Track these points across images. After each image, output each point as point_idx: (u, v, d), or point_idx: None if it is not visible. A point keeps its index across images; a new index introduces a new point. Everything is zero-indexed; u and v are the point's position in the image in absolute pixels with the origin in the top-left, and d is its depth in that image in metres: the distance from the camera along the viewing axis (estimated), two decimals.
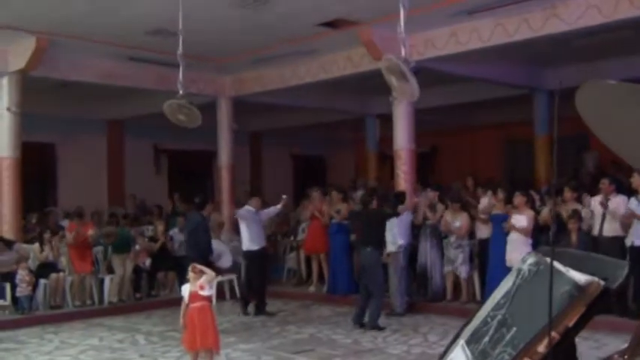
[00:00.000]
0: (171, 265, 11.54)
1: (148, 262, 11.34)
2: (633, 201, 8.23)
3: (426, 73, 11.46)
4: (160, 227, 11.82)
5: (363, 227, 9.26)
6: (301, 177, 19.89)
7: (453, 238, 9.77)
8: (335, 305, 10.56)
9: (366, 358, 7.32)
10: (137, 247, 11.26)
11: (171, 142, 16.78)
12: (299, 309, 10.62)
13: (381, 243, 9.18)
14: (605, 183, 8.53)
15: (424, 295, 10.10)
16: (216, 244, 10.43)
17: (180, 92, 8.63)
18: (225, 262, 11.30)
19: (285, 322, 9.55)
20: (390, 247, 9.54)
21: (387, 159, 16.26)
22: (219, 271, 10.05)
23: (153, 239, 11.78)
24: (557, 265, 2.98)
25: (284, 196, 10.92)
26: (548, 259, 3.07)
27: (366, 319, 8.72)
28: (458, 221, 9.72)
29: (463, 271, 9.68)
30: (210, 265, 8.91)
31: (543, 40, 10.23)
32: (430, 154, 19.08)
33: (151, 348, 8.13)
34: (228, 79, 14.07)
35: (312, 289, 11.74)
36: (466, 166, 18.33)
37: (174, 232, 11.98)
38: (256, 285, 10.09)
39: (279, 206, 10.86)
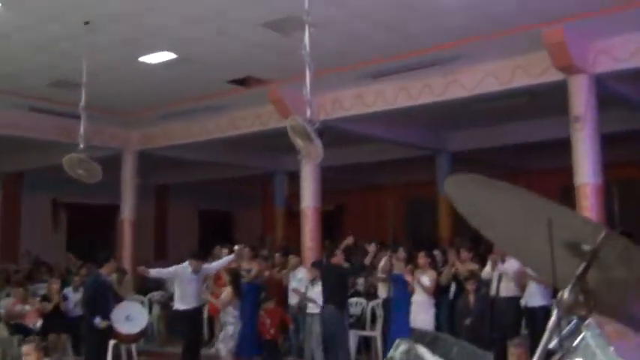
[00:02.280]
0: (64, 327, 10.91)
1: (39, 323, 10.68)
2: None
3: (333, 133, 11.67)
4: (55, 286, 11.20)
5: (324, 282, 9.06)
6: (207, 233, 19.55)
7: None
8: None
9: None
10: (27, 307, 10.63)
11: (71, 195, 16.18)
12: None
13: (344, 302, 9.02)
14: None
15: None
16: (126, 306, 9.56)
17: (81, 146, 8.38)
18: (134, 326, 9.70)
19: None
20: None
21: (294, 216, 16.27)
22: (122, 336, 9.46)
23: (46, 298, 11.15)
24: (426, 354, 2.94)
25: (236, 247, 10.23)
26: (419, 347, 3.02)
27: None
28: (427, 278, 9.27)
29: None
30: (110, 328, 8.46)
31: (445, 104, 10.62)
32: (337, 212, 19.23)
33: None
34: (135, 132, 13.81)
35: (214, 350, 11.33)
36: (372, 225, 18.59)
37: (69, 291, 11.39)
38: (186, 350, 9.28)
39: (230, 257, 10.06)
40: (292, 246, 14.04)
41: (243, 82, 10.73)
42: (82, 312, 9.30)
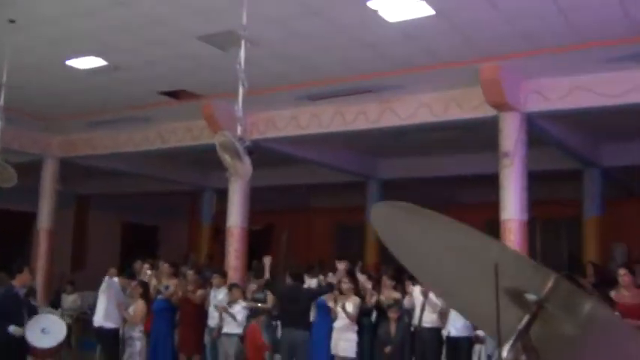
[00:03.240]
0: None
1: None
2: None
3: (265, 153, 11.50)
4: None
5: (288, 303, 8.77)
6: (130, 246, 18.90)
7: None
8: None
9: None
10: None
11: None
12: None
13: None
14: None
15: None
16: (41, 318, 8.53)
17: None
18: (50, 340, 8.56)
19: None
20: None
21: (221, 234, 15.95)
22: (37, 350, 8.84)
23: None
24: None
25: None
26: None
27: None
28: (351, 305, 9.00)
29: None
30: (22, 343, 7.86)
31: (379, 131, 10.62)
32: (266, 232, 18.97)
33: None
34: (57, 138, 13.26)
35: None
36: (301, 245, 18.43)
37: None
38: None
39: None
40: (216, 265, 13.71)
41: (175, 94, 10.45)
42: None
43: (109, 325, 8.92)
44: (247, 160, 6.47)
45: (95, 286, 14.52)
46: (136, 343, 9.12)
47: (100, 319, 8.97)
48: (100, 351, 9.26)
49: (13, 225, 16.52)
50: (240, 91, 6.62)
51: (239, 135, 6.45)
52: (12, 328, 7.73)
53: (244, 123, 10.77)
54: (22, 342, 7.84)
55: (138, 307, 9.18)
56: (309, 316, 8.95)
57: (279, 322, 9.49)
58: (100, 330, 8.96)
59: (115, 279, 9.26)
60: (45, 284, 13.13)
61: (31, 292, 11.32)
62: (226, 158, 6.58)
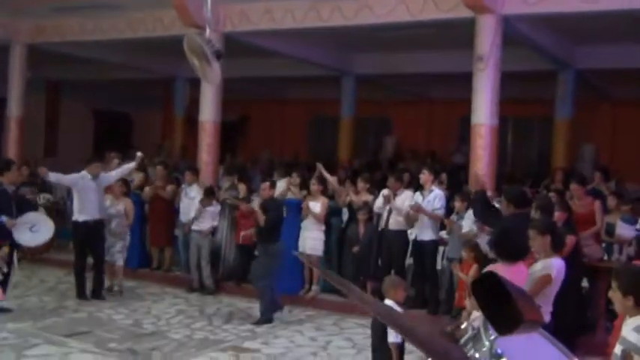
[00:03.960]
0: None
1: None
2: (418, 196, 8.65)
3: (239, 44, 11.28)
4: None
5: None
6: (103, 135, 18.76)
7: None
8: (124, 278, 9.95)
9: (145, 343, 7.06)
10: None
11: None
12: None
13: None
14: (391, 181, 8.89)
15: (215, 275, 9.95)
16: (29, 216, 8.33)
17: None
18: (38, 237, 8.49)
19: (65, 296, 8.95)
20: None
21: (194, 124, 15.88)
22: (26, 249, 8.95)
23: None
24: None
25: (139, 154, 9.65)
26: None
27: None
28: (319, 205, 9.07)
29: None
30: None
31: (355, 28, 10.43)
32: (239, 123, 18.92)
33: None
34: (25, 23, 12.79)
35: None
36: (276, 137, 18.49)
37: None
38: (94, 263, 9.00)
39: (131, 165, 9.57)
40: (190, 157, 13.75)
41: None
42: None
43: (84, 218, 8.82)
44: (216, 65, 6.39)
45: (67, 173, 14.57)
46: (127, 237, 9.34)
47: (76, 214, 8.88)
48: (73, 242, 9.31)
49: None
50: None
51: (207, 38, 6.32)
52: (3, 219, 7.76)
53: (217, 15, 10.64)
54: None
55: (128, 206, 9.29)
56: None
57: None
58: (77, 224, 8.90)
59: (102, 174, 9.10)
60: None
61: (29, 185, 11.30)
62: (195, 62, 6.47)
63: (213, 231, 9.70)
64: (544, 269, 5.02)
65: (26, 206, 8.68)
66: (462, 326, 2.74)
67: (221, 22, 10.79)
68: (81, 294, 8.81)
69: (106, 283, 9.18)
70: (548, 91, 12.91)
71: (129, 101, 19.03)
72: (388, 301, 5.40)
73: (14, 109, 13.29)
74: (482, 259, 7.03)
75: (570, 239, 6.78)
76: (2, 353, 6.47)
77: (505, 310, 2.08)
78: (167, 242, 10.44)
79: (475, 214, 7.66)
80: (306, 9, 10.24)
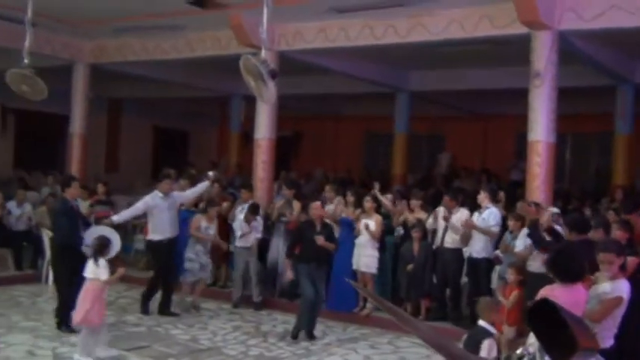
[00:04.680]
0: (6, 241, 10.75)
1: None
2: (477, 216, 8.57)
3: (294, 63, 11.45)
4: None
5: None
6: (162, 150, 19.25)
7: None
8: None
9: (201, 358, 7.18)
10: None
11: (20, 101, 15.50)
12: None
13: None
14: (446, 199, 8.86)
15: (272, 291, 10.04)
16: (96, 231, 8.06)
17: (26, 61, 7.99)
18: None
19: (125, 311, 9.17)
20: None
21: (250, 140, 16.13)
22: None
23: None
24: None
25: (210, 173, 9.78)
26: None
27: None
28: (374, 223, 9.02)
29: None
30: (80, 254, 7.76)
31: (409, 46, 10.46)
32: (293, 139, 19.10)
33: None
34: (88, 44, 13.27)
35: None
36: (329, 154, 18.60)
37: (12, 205, 11.17)
38: (162, 281, 9.03)
39: (205, 184, 9.58)
40: (245, 173, 13.94)
41: (202, 3, 10.32)
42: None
43: (158, 238, 8.95)
44: (271, 85, 6.51)
45: (127, 190, 14.99)
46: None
47: (151, 234, 9.04)
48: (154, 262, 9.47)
49: (47, 126, 16.84)
50: (265, 11, 6.56)
51: (263, 58, 6.45)
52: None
53: (273, 34, 10.79)
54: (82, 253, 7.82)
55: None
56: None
57: None
58: (150, 243, 9.09)
59: (175, 193, 9.29)
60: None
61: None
62: (251, 82, 6.61)
63: (266, 247, 9.83)
64: (615, 291, 4.91)
65: (88, 222, 8.92)
66: (518, 351, 2.73)
67: (276, 41, 10.98)
68: (145, 310, 8.96)
69: (189, 299, 9.37)
70: (607, 106, 12.66)
71: (187, 118, 19.53)
72: (482, 323, 5.33)
73: (77, 126, 13.74)
74: (527, 283, 6.95)
75: (633, 260, 6.61)
76: None
77: (560, 337, 2.09)
78: (223, 258, 10.57)
79: (534, 245, 7.48)
80: (359, 27, 10.32)
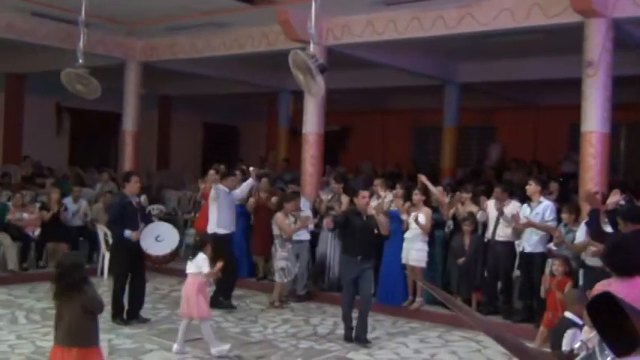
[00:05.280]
0: (62, 236, 11.05)
1: (37, 231, 10.82)
2: (526, 208, 8.44)
3: (342, 56, 11.43)
4: (55, 196, 11.26)
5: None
6: (212, 146, 19.49)
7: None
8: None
9: (252, 351, 7.26)
10: (26, 215, 10.75)
11: (75, 100, 15.88)
12: None
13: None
14: (497, 191, 8.72)
15: (321, 285, 10.08)
16: (154, 226, 8.64)
17: (80, 61, 8.21)
18: (164, 247, 8.62)
19: (177, 304, 9.29)
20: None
21: (298, 134, 16.20)
22: (152, 258, 8.67)
23: (45, 207, 11.24)
24: None
25: (251, 169, 9.78)
26: None
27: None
28: (423, 217, 8.94)
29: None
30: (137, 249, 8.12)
31: (458, 37, 10.33)
32: (341, 133, 19.09)
33: (31, 328, 7.78)
34: (139, 43, 13.52)
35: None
36: (377, 147, 18.53)
37: (68, 201, 11.47)
38: (225, 274, 8.70)
39: (250, 180, 9.55)
40: (293, 168, 14.03)
41: (250, 0, 10.40)
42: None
43: (224, 231, 9.03)
44: (320, 79, 6.52)
45: (178, 185, 15.23)
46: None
47: (213, 227, 9.04)
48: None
49: (101, 124, 17.26)
50: (313, 6, 6.57)
51: (312, 53, 6.46)
52: (127, 233, 8.08)
53: (321, 28, 10.80)
54: (139, 248, 8.18)
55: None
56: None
57: None
58: (216, 236, 8.78)
59: (220, 186, 9.23)
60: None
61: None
62: (299, 76, 6.63)
63: (316, 241, 9.87)
64: None
65: (148, 217, 9.10)
66: (576, 345, 2.68)
67: (324, 35, 10.98)
68: (230, 304, 9.08)
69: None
70: None
71: (236, 114, 19.75)
72: (568, 314, 5.29)
73: (129, 124, 14.02)
74: (585, 276, 6.82)
75: None
76: (121, 358, 6.84)
77: (622, 330, 2.05)
78: (270, 252, 10.64)
79: (591, 237, 7.32)
80: (408, 19, 10.24)
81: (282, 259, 9.26)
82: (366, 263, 7.77)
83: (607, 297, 2.14)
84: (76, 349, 4.70)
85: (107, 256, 10.35)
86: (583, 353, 2.29)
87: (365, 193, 8.09)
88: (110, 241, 9.82)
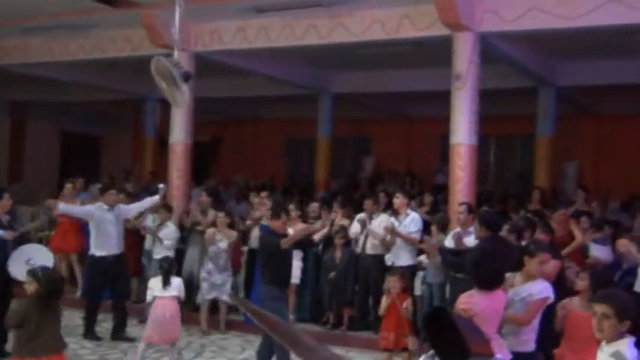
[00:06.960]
0: None
1: None
2: (394, 221, 8.38)
3: (210, 64, 10.98)
4: None
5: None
6: (71, 158, 18.10)
7: None
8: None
9: None
10: None
11: None
12: None
13: None
14: (368, 203, 8.62)
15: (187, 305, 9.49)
16: (26, 249, 7.39)
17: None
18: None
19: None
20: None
21: (166, 145, 15.44)
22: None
23: None
24: None
25: (161, 186, 9.23)
26: None
27: None
28: None
29: None
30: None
31: (330, 47, 10.17)
32: (212, 144, 18.47)
33: None
34: None
35: None
36: (250, 159, 18.08)
37: None
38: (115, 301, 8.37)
39: (155, 197, 8.96)
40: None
41: (112, 2, 9.72)
42: None
43: (103, 253, 8.31)
44: (185, 88, 6.03)
45: (32, 200, 13.94)
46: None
47: (94, 249, 8.35)
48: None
49: None
50: (177, 10, 6.10)
51: (176, 60, 5.99)
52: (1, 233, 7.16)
53: (188, 34, 10.28)
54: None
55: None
56: None
57: None
58: (93, 259, 8.36)
59: (122, 206, 8.64)
60: None
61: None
62: (162, 85, 6.11)
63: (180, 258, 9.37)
64: (543, 292, 4.96)
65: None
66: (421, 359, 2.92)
67: (192, 41, 10.49)
68: (89, 334, 8.24)
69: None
70: (530, 107, 12.67)
71: (99, 123, 18.40)
72: None
73: None
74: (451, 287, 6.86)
75: (555, 264, 6.48)
76: None
77: (453, 343, 2.18)
78: (134, 272, 9.95)
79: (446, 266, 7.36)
80: (279, 27, 9.96)
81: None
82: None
83: (441, 312, 2.31)
84: None
85: None
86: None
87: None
88: None
